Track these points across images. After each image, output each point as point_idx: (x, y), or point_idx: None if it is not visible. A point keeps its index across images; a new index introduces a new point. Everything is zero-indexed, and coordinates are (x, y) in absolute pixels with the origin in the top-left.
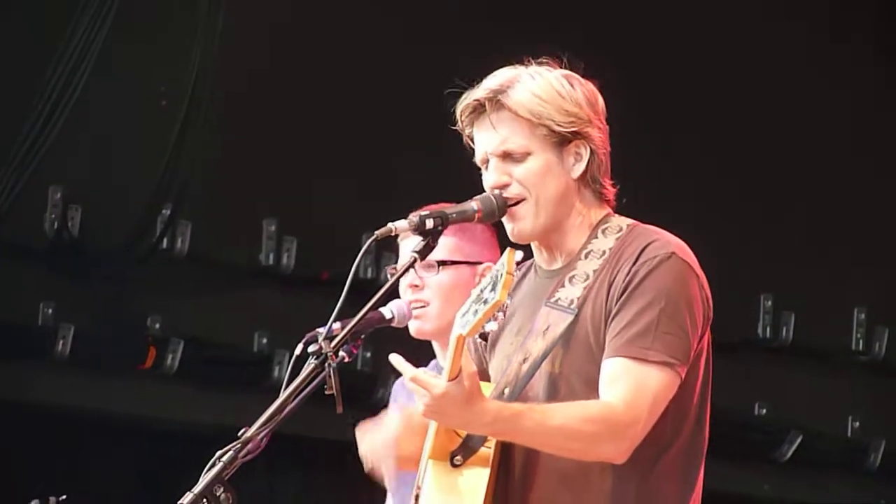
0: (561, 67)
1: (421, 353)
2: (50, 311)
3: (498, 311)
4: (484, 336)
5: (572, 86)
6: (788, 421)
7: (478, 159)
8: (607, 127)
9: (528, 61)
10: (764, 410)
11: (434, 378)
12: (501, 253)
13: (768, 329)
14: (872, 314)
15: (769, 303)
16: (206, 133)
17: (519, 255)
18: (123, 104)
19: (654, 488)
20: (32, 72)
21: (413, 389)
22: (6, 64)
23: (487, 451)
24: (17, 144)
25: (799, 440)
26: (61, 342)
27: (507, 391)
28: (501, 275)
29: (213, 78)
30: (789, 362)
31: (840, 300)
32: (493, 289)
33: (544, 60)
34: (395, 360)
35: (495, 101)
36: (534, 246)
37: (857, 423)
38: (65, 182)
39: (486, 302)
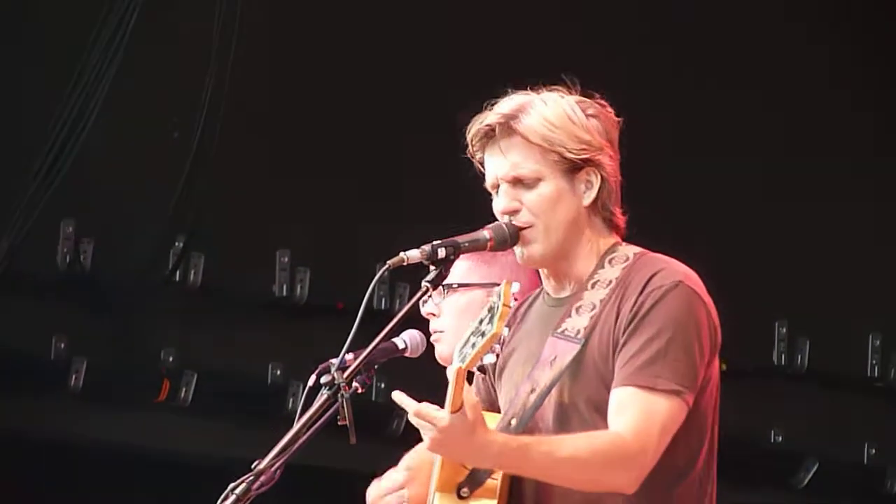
0: (574, 93)
1: (436, 384)
2: (63, 344)
3: (496, 343)
4: (482, 369)
5: (585, 113)
6: (804, 448)
7: (488, 184)
8: (619, 155)
9: (541, 87)
10: (780, 437)
11: (437, 411)
12: (528, 273)
13: (783, 356)
14: (888, 340)
15: (784, 329)
16: (218, 165)
17: (516, 286)
18: (135, 137)
19: None
20: (44, 105)
21: (417, 424)
22: (18, 97)
23: (494, 482)
24: (30, 177)
25: (815, 467)
26: (74, 376)
27: (514, 422)
28: (498, 307)
29: (224, 110)
30: (805, 389)
31: (855, 326)
32: (491, 321)
33: (557, 87)
34: (398, 396)
35: (507, 127)
36: (542, 273)
37: (874, 450)
38: (77, 215)
39: (483, 334)
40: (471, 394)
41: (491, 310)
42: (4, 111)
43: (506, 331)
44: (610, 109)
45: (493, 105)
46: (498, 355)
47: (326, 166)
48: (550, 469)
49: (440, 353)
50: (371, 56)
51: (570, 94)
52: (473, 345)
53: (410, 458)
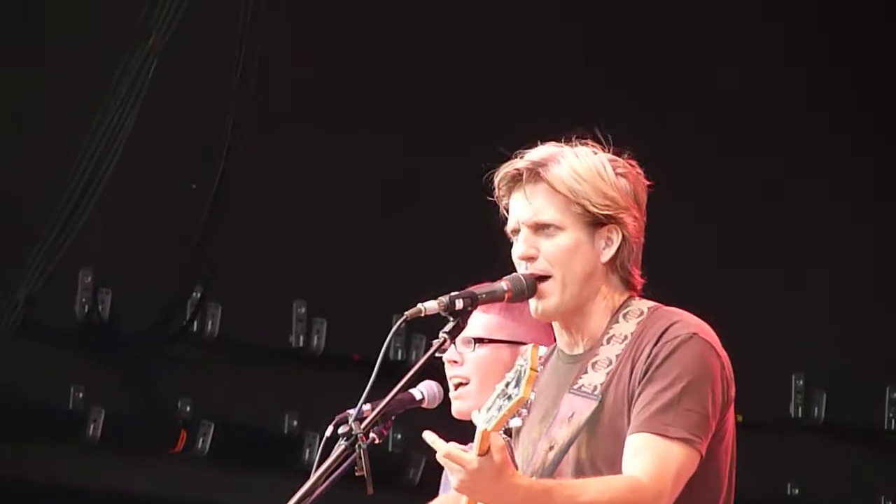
0: (607, 151)
1: (452, 435)
2: (80, 394)
3: (522, 408)
4: (508, 432)
5: (615, 171)
6: (821, 501)
7: (509, 229)
8: (645, 217)
9: (574, 141)
10: (797, 490)
11: (466, 454)
12: (550, 333)
13: (800, 408)
14: None
15: (800, 382)
16: (236, 215)
17: (542, 350)
18: (153, 187)
19: None
20: (62, 155)
21: (447, 466)
22: (36, 147)
23: None
24: (48, 227)
25: None
26: (92, 425)
27: (534, 479)
28: (525, 370)
29: (242, 160)
30: (821, 441)
31: (872, 379)
32: (518, 385)
33: (591, 142)
34: (429, 437)
35: (534, 173)
36: (556, 328)
37: (890, 503)
38: (95, 265)
39: (510, 398)
40: (498, 437)
41: (518, 373)
42: (23, 160)
43: (532, 395)
44: (640, 171)
45: (524, 152)
46: (524, 419)
47: (344, 218)
48: None
49: (459, 409)
50: (388, 105)
51: (603, 151)
52: (500, 408)
53: None
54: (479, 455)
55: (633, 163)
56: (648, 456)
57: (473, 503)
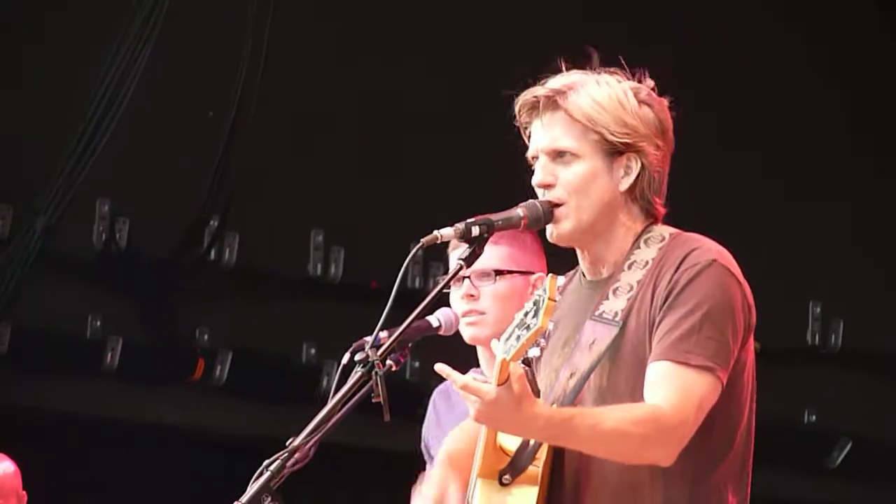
0: (636, 80)
1: (469, 361)
2: (98, 323)
3: (541, 338)
4: (527, 361)
5: (638, 99)
6: (838, 428)
7: (529, 155)
8: (671, 146)
9: (600, 70)
10: (813, 417)
11: (484, 384)
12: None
13: (817, 336)
14: None
15: (818, 310)
16: (253, 144)
17: (561, 280)
18: (170, 116)
19: (706, 501)
20: (79, 86)
21: (464, 397)
22: (53, 79)
23: (535, 469)
24: (65, 158)
25: (848, 447)
26: (110, 354)
27: (555, 407)
28: (543, 300)
29: (260, 88)
30: (838, 369)
31: (889, 306)
32: (536, 315)
33: (617, 71)
34: (442, 368)
35: (552, 101)
36: (579, 253)
37: None
38: (112, 195)
39: (528, 328)
40: (517, 366)
41: (536, 303)
42: (40, 91)
43: (550, 325)
44: (665, 101)
45: (546, 79)
46: (542, 348)
47: (361, 146)
48: (594, 441)
49: (475, 335)
50: (408, 38)
51: (629, 80)
52: (518, 337)
53: (446, 451)
54: (498, 385)
55: (658, 93)
56: (670, 384)
57: (493, 433)
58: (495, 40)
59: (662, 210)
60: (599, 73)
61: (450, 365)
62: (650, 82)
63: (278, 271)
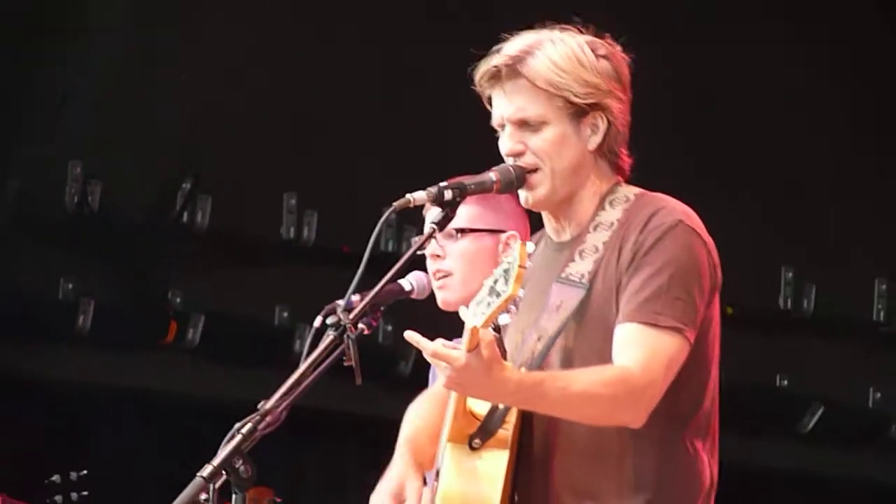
0: (587, 33)
1: (443, 326)
2: (70, 285)
3: (511, 305)
4: (497, 328)
5: (596, 54)
6: (810, 393)
7: (494, 123)
8: (630, 96)
9: (553, 25)
10: (785, 382)
11: (454, 350)
12: (528, 221)
13: (789, 301)
14: (894, 285)
15: (790, 274)
16: (227, 106)
17: (531, 247)
18: (143, 78)
19: (674, 461)
20: (52, 46)
21: (434, 363)
22: (26, 39)
23: (506, 433)
24: (38, 120)
25: (820, 412)
26: (82, 317)
27: (523, 370)
28: (514, 267)
29: (233, 51)
30: (810, 334)
31: (861, 272)
32: (506, 281)
33: (568, 26)
34: (411, 336)
35: (513, 69)
36: (544, 215)
37: (879, 395)
38: (85, 157)
39: (498, 295)
40: (487, 332)
41: (506, 270)
42: (12, 54)
43: (521, 292)
44: (620, 50)
45: (502, 44)
46: (512, 315)
47: (336, 110)
48: (564, 404)
49: (445, 298)
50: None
51: (582, 34)
52: (488, 304)
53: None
54: (468, 351)
55: (613, 42)
56: (639, 346)
57: (463, 398)
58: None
59: (628, 160)
60: (552, 30)
61: (423, 329)
62: (604, 35)
63: (251, 234)
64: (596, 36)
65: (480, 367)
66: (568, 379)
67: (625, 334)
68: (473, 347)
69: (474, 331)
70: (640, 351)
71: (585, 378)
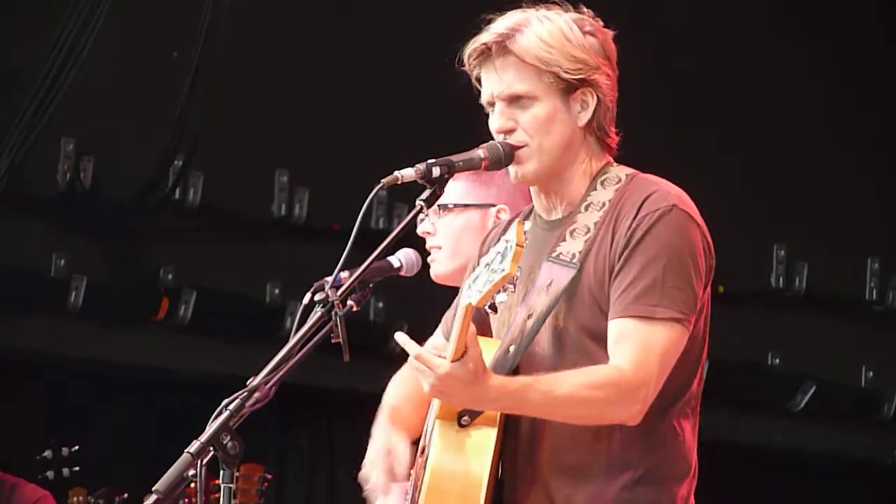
0: (572, 11)
1: (434, 303)
2: (62, 262)
3: (508, 283)
4: (493, 307)
5: (582, 31)
6: (802, 371)
7: (484, 101)
8: (616, 73)
9: (539, 4)
10: (777, 360)
11: (438, 358)
12: (525, 194)
13: (781, 279)
14: (886, 264)
15: (782, 252)
16: (218, 84)
17: (528, 225)
18: (135, 55)
19: (663, 439)
20: (45, 22)
21: (417, 369)
22: (17, 15)
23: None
24: (30, 95)
25: (812, 390)
26: (74, 293)
27: (512, 349)
28: (511, 246)
29: (224, 28)
30: (803, 312)
31: (853, 250)
32: (503, 260)
33: (555, 3)
34: (401, 338)
35: (502, 46)
36: (533, 192)
37: (871, 373)
38: (77, 133)
39: (495, 273)
40: (475, 341)
41: (503, 249)
42: (4, 29)
43: (519, 270)
44: (605, 26)
45: (489, 22)
46: (509, 294)
47: (327, 87)
48: (549, 408)
49: (435, 272)
50: None
51: (567, 11)
52: (486, 282)
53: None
54: (453, 360)
55: (599, 20)
56: (632, 343)
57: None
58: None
59: (616, 139)
60: (538, 8)
61: (414, 306)
62: (589, 12)
63: (243, 211)
64: (582, 13)
65: (465, 378)
66: (553, 383)
67: (618, 331)
68: (459, 357)
69: (468, 308)
70: (634, 348)
71: (572, 381)
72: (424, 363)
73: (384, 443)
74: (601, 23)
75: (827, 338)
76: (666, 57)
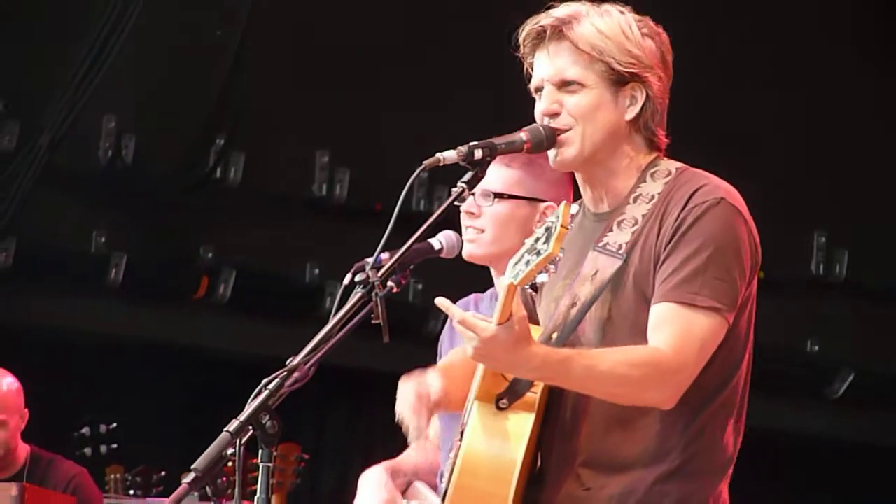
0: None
1: (469, 284)
2: (103, 239)
3: (550, 264)
4: (535, 287)
5: (641, 31)
6: (840, 358)
7: (533, 86)
8: (671, 79)
9: (600, 1)
10: (816, 347)
11: (483, 321)
12: (573, 190)
13: (821, 266)
14: None
15: (823, 239)
16: (261, 63)
17: (574, 207)
18: (179, 33)
19: (700, 433)
20: (88, 1)
21: (461, 332)
22: None
23: (533, 396)
24: (72, 73)
25: (851, 377)
26: (114, 270)
27: (555, 336)
28: (556, 227)
29: (268, 6)
30: (842, 299)
31: (894, 237)
32: (547, 241)
33: (617, 4)
34: (442, 302)
35: (558, 30)
36: (581, 185)
37: None
38: (118, 111)
39: (538, 253)
40: (520, 307)
41: (548, 230)
42: (48, 7)
43: (561, 252)
44: (664, 34)
45: (549, 8)
46: (551, 275)
47: (369, 68)
48: (589, 382)
49: (471, 252)
50: None
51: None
52: (528, 262)
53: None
54: (499, 324)
55: (658, 25)
56: (672, 327)
57: (490, 371)
58: None
59: (665, 141)
60: (600, 4)
61: (453, 288)
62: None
63: (283, 191)
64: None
65: (508, 341)
66: (595, 357)
67: (660, 314)
68: (505, 320)
69: (511, 288)
70: (674, 332)
71: (614, 358)
72: (469, 327)
73: (427, 376)
74: (662, 29)
75: (866, 325)
76: (713, 37)
